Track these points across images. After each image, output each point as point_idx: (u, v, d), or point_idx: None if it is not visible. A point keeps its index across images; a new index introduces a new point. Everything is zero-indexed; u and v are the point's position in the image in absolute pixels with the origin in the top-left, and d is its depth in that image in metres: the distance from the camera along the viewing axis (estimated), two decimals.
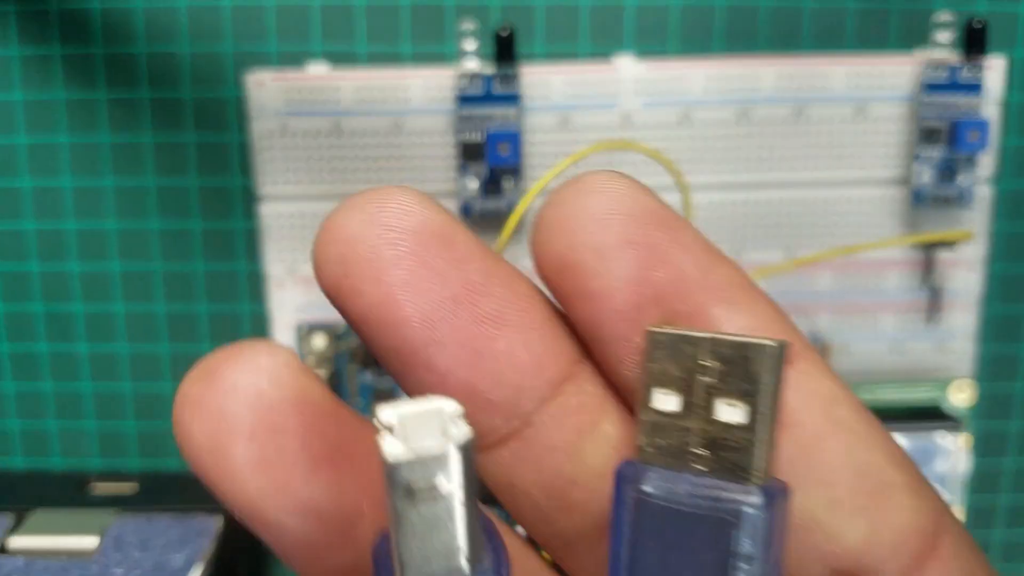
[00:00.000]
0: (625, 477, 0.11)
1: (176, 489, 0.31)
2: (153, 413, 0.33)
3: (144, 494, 0.31)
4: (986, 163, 0.30)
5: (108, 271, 0.32)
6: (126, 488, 0.32)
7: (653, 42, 0.31)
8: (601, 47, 0.31)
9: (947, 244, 0.30)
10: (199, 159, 0.31)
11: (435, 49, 0.30)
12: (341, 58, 0.30)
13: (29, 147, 0.31)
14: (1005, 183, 0.32)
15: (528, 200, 0.27)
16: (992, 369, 0.33)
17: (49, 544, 0.28)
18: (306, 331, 0.31)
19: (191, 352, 0.32)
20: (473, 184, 0.29)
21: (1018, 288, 0.33)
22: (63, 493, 0.31)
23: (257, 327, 0.32)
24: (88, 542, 0.28)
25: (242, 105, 0.30)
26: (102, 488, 0.32)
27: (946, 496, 0.30)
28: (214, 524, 0.29)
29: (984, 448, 0.34)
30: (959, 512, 0.31)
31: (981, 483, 0.34)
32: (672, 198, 0.30)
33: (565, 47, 0.31)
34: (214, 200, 0.31)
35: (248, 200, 0.31)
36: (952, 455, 0.30)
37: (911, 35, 0.31)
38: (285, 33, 0.30)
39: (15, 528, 0.29)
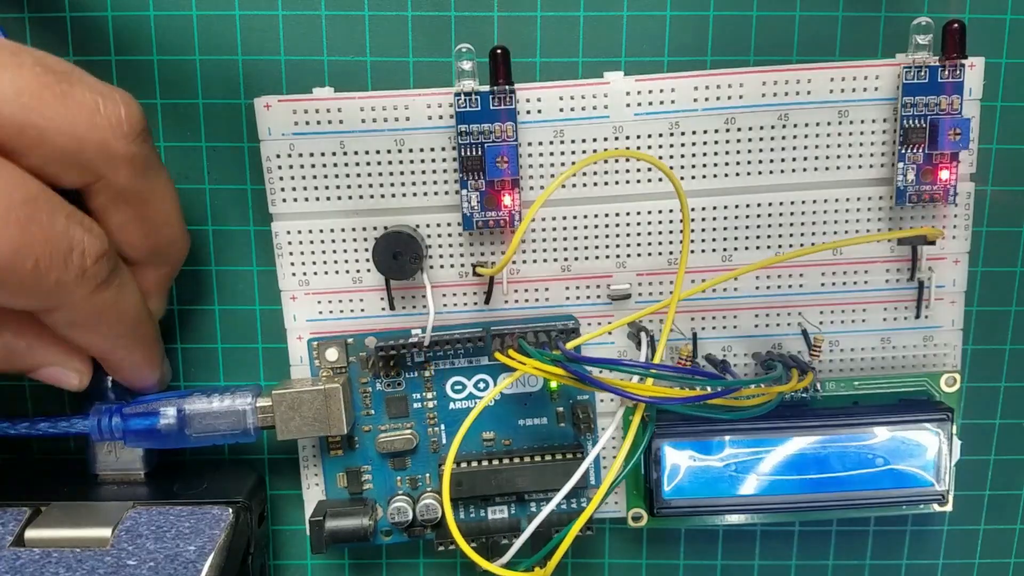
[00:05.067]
0: None
1: (189, 481, 0.32)
2: None
3: (157, 486, 0.31)
4: (968, 160, 0.31)
5: None
6: (139, 480, 0.32)
7: (645, 53, 0.32)
8: (595, 59, 0.32)
9: (921, 240, 0.30)
10: (210, 164, 0.32)
11: (438, 59, 0.32)
12: (347, 66, 0.31)
13: None
14: (987, 179, 0.33)
15: (533, 211, 0.28)
16: (978, 360, 0.34)
17: (64, 536, 0.29)
18: (318, 344, 0.32)
19: (201, 350, 0.33)
20: (473, 197, 0.30)
21: (1002, 281, 0.34)
22: (78, 486, 0.31)
23: (267, 325, 0.33)
24: (102, 533, 0.29)
25: (251, 113, 0.31)
26: (115, 480, 0.32)
27: (939, 485, 0.31)
28: (226, 515, 0.30)
29: (970, 438, 0.34)
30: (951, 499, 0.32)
31: (967, 472, 0.35)
32: (670, 204, 0.31)
33: (560, 60, 0.32)
34: (226, 204, 0.33)
35: (259, 205, 0.32)
36: (941, 445, 0.31)
37: (895, 40, 0.32)
38: (293, 43, 0.31)
39: (31, 520, 0.29)
